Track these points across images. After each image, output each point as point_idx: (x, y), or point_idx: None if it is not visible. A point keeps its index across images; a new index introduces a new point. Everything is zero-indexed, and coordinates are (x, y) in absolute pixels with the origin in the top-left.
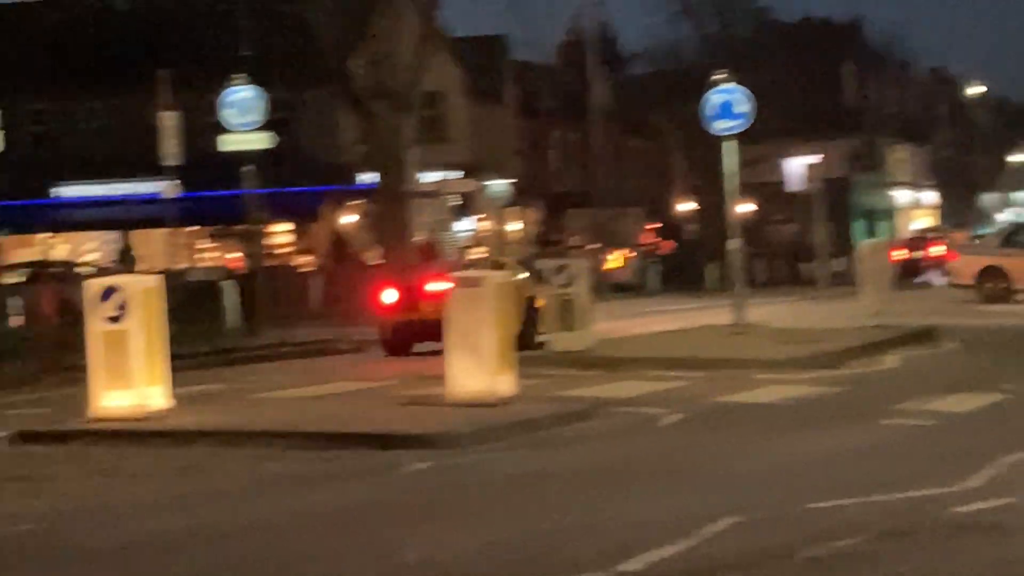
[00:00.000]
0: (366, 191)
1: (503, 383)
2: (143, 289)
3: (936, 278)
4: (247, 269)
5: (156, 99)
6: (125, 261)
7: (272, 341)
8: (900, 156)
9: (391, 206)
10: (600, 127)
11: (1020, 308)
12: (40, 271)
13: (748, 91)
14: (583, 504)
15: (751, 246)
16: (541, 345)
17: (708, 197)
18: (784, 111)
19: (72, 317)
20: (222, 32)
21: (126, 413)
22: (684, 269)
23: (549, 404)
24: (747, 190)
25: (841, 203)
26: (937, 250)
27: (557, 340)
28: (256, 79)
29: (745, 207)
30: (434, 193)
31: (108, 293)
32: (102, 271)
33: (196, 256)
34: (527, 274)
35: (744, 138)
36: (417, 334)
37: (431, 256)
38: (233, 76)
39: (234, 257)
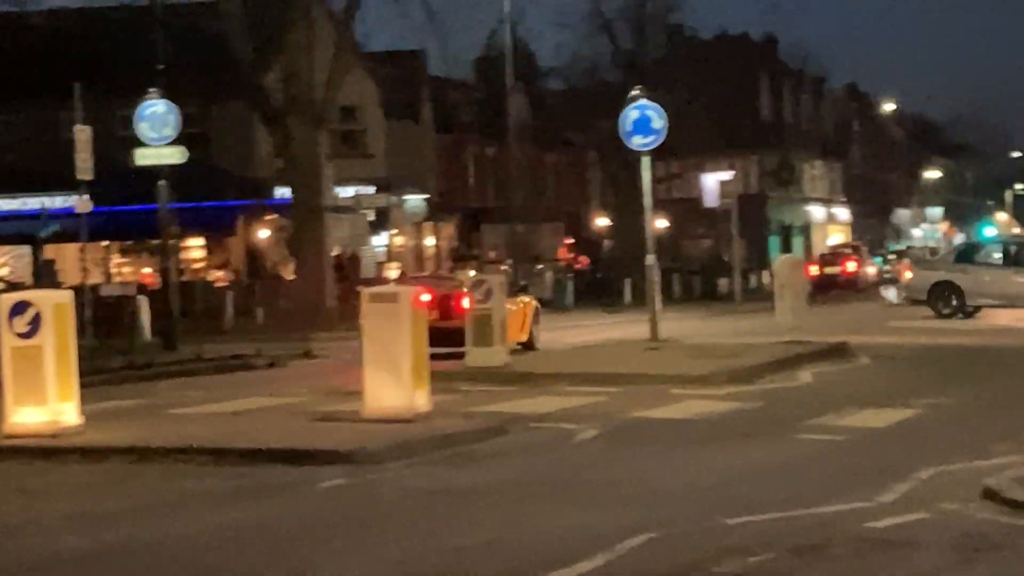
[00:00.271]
0: (281, 206)
1: (420, 398)
2: (54, 304)
3: (891, 294)
4: (161, 284)
5: (70, 113)
6: (43, 276)
7: (186, 356)
8: (815, 172)
9: (306, 221)
10: (517, 143)
11: (960, 324)
12: None
13: (662, 108)
14: (500, 520)
15: (668, 261)
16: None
17: (625, 212)
18: (701, 127)
19: None
20: (136, 46)
21: (39, 429)
22: (601, 284)
23: (466, 420)
24: (665, 205)
25: (757, 219)
26: (852, 266)
27: (474, 356)
28: (170, 93)
29: (662, 222)
30: (350, 208)
31: (19, 308)
32: (13, 286)
33: (110, 271)
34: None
35: (662, 153)
36: None
37: (351, 271)
38: (147, 90)
39: (148, 272)
